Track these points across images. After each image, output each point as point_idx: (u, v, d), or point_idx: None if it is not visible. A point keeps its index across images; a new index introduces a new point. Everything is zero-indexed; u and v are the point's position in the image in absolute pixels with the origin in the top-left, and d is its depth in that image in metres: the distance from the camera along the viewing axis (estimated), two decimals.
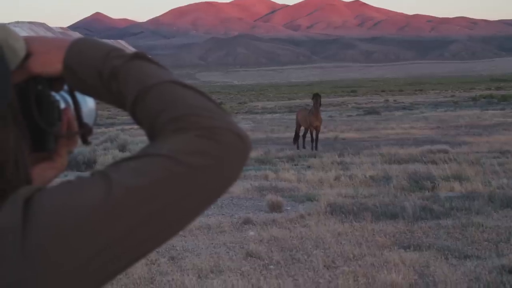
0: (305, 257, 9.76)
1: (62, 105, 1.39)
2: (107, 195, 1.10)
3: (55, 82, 1.34)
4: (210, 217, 12.36)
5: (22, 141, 1.23)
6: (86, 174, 1.18)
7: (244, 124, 43.57)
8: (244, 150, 1.19)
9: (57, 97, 1.39)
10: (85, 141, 1.42)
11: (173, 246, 10.39)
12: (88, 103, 1.48)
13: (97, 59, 1.26)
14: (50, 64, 1.29)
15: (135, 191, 1.11)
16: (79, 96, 1.40)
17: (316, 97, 26.76)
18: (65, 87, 1.36)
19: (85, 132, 1.41)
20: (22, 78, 1.29)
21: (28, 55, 1.28)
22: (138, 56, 1.27)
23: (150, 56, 1.28)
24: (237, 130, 1.19)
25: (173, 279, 8.76)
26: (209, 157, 1.15)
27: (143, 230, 1.12)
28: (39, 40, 1.32)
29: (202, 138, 1.15)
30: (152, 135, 1.21)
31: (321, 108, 27.01)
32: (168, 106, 1.19)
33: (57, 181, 1.26)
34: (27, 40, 1.30)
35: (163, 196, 1.13)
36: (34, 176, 1.28)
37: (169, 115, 1.18)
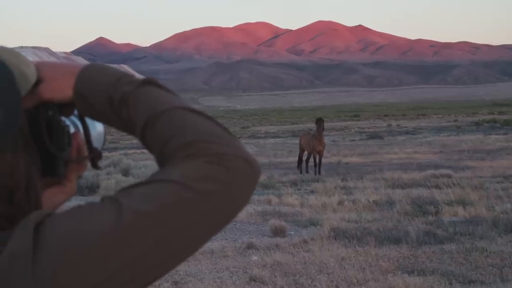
0: (309, 282, 9.73)
1: (72, 130, 1.40)
2: (117, 221, 1.10)
3: (65, 108, 1.34)
4: (213, 242, 12.34)
5: (33, 167, 1.24)
6: (90, 199, 1.19)
7: (247, 148, 43.45)
8: (253, 175, 1.20)
9: (67, 122, 1.40)
10: (95, 166, 1.43)
11: (176, 270, 10.36)
12: (97, 127, 1.49)
13: (107, 85, 1.27)
14: (61, 90, 1.30)
15: (144, 217, 1.12)
16: (88, 120, 1.40)
17: (320, 121, 26.78)
18: (75, 111, 1.37)
19: (94, 156, 1.42)
20: (32, 103, 1.30)
21: (38, 81, 1.29)
22: (148, 82, 1.28)
23: (160, 82, 1.29)
24: (246, 155, 1.20)
25: None
26: (218, 183, 1.15)
27: (152, 256, 1.12)
28: (49, 66, 1.32)
29: (211, 164, 1.16)
30: (161, 161, 1.22)
31: (324, 133, 27.02)
32: (178, 132, 1.20)
33: (66, 206, 1.27)
34: (38, 65, 1.31)
35: (173, 222, 1.13)
36: (44, 201, 1.28)
37: (179, 141, 1.18)
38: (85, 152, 1.41)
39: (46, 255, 1.08)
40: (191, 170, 1.15)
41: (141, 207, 1.12)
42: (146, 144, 1.25)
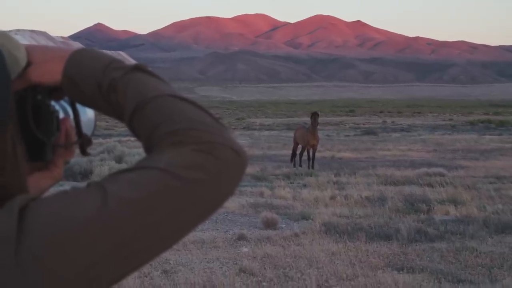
0: (298, 275, 9.73)
1: (61, 115, 1.39)
2: (102, 207, 1.10)
3: (55, 92, 1.33)
4: (204, 232, 12.35)
5: (19, 149, 1.22)
6: (83, 184, 1.17)
7: (241, 140, 43.54)
8: (241, 165, 1.20)
9: (57, 106, 1.38)
10: (84, 152, 1.41)
11: (166, 259, 10.37)
12: (87, 113, 1.48)
13: (97, 70, 1.26)
14: (50, 74, 1.29)
15: (130, 203, 1.11)
16: (79, 106, 1.39)
17: (314, 115, 26.76)
18: (66, 97, 1.36)
19: (83, 142, 1.40)
20: (21, 86, 1.29)
21: (28, 64, 1.28)
22: (138, 68, 1.27)
23: (150, 69, 1.28)
24: (234, 145, 1.19)
25: None
26: (206, 172, 1.15)
27: (138, 242, 1.12)
28: (40, 49, 1.31)
29: (199, 152, 1.15)
30: (149, 148, 1.21)
31: (318, 127, 27.00)
32: (167, 119, 1.19)
33: (52, 191, 1.25)
34: (28, 49, 1.30)
35: (159, 209, 1.12)
36: (30, 186, 1.27)
37: (167, 128, 1.18)
38: (74, 138, 1.40)
39: (30, 239, 1.07)
40: (179, 157, 1.15)
41: (127, 193, 1.11)
42: (134, 130, 1.24)
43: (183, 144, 1.16)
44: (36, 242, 1.07)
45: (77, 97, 1.29)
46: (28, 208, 1.10)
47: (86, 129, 1.44)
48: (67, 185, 15.98)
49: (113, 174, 1.16)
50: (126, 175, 1.15)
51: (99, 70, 1.26)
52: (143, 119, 1.21)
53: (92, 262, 1.08)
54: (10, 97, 1.18)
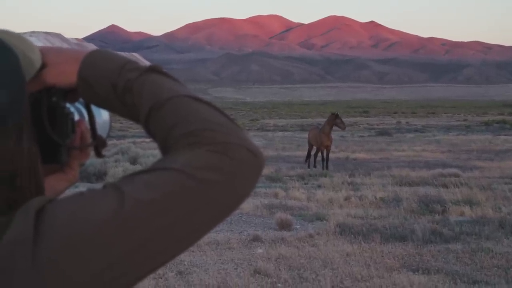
0: (313, 276, 9.72)
1: (76, 117, 1.39)
2: (119, 208, 1.09)
3: (69, 94, 1.34)
4: (219, 233, 12.35)
5: (35, 151, 1.22)
6: (98, 186, 1.17)
7: (255, 141, 42.77)
8: (257, 166, 1.19)
9: (72, 108, 1.38)
10: (99, 154, 1.41)
11: (181, 260, 10.38)
12: (102, 115, 1.47)
13: (112, 72, 1.26)
14: (65, 75, 1.29)
15: (147, 204, 1.11)
16: (94, 107, 1.39)
17: (334, 116, 26.76)
18: (81, 98, 1.36)
19: (98, 144, 1.40)
20: (36, 88, 1.29)
21: (43, 66, 1.28)
22: (153, 69, 1.27)
23: (165, 70, 1.28)
24: (251, 146, 1.19)
25: None
26: (221, 173, 1.15)
27: (154, 244, 1.11)
28: (54, 51, 1.32)
29: (215, 153, 1.15)
30: (165, 149, 1.21)
31: (334, 128, 26.94)
32: (182, 120, 1.19)
33: (68, 192, 1.25)
34: (43, 50, 1.30)
35: (175, 210, 1.12)
36: (45, 188, 1.27)
37: (183, 129, 1.18)
38: (89, 140, 1.40)
39: (46, 241, 1.07)
40: (195, 158, 1.15)
41: (143, 194, 1.11)
42: (150, 131, 1.24)
43: (199, 145, 1.16)
44: (52, 244, 1.07)
45: (92, 99, 1.29)
46: (44, 210, 1.10)
47: (101, 131, 1.44)
48: (81, 187, 16.03)
49: (129, 176, 1.16)
50: (142, 176, 1.14)
51: (114, 71, 1.25)
52: (159, 120, 1.21)
53: (108, 264, 1.08)
54: (25, 99, 1.18)
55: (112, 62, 1.27)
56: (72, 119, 1.37)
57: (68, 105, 1.37)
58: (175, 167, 1.14)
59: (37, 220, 1.08)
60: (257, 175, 1.20)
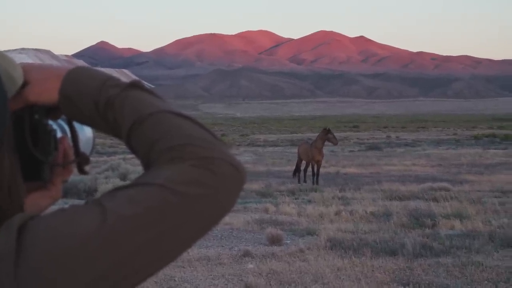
0: None
1: (59, 134, 1.39)
2: (101, 223, 1.09)
3: (52, 111, 1.33)
4: (209, 249, 12.33)
5: (16, 168, 1.22)
6: (80, 202, 1.17)
7: (245, 156, 43.60)
8: (239, 180, 1.20)
9: (54, 125, 1.38)
10: (82, 171, 1.41)
11: (171, 276, 10.35)
12: (86, 132, 1.47)
13: (93, 88, 1.26)
14: (47, 93, 1.29)
15: (129, 220, 1.11)
16: (77, 125, 1.39)
17: (326, 131, 26.86)
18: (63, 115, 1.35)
19: (81, 161, 1.40)
20: (18, 106, 1.29)
21: (25, 84, 1.28)
22: (134, 85, 1.27)
23: (146, 85, 1.28)
24: (232, 160, 1.19)
25: None
26: (204, 187, 1.15)
27: (138, 258, 1.11)
28: (36, 69, 1.31)
29: (198, 168, 1.15)
30: (147, 164, 1.21)
31: (324, 143, 26.99)
32: (164, 135, 1.19)
33: (53, 208, 1.25)
34: (25, 68, 1.30)
35: (158, 225, 1.12)
36: (29, 205, 1.27)
37: (164, 145, 1.18)
38: (72, 156, 1.40)
39: (29, 257, 1.07)
40: (177, 173, 1.15)
41: (126, 210, 1.11)
42: (132, 147, 1.24)
43: (181, 160, 1.16)
44: (35, 260, 1.06)
45: (75, 116, 1.30)
46: (26, 226, 1.10)
47: (85, 148, 1.44)
48: (71, 203, 15.98)
49: (111, 191, 1.16)
50: (124, 191, 1.14)
51: (96, 88, 1.26)
52: (141, 136, 1.21)
53: (93, 279, 1.08)
54: (7, 117, 1.18)
55: (93, 79, 1.27)
56: (55, 136, 1.37)
57: (50, 122, 1.36)
58: (157, 182, 1.14)
59: (19, 236, 1.08)
60: (239, 189, 1.20)
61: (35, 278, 1.06)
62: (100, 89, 1.25)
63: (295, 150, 36.76)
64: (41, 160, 1.32)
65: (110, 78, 1.29)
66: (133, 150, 1.24)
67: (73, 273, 1.07)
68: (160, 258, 1.14)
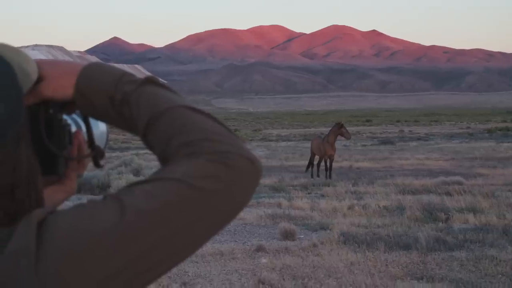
0: (317, 286, 9.71)
1: (74, 128, 1.40)
2: (120, 219, 1.10)
3: (66, 105, 1.34)
4: (223, 244, 12.34)
5: (34, 163, 1.23)
6: (99, 197, 1.18)
7: (258, 151, 43.58)
8: (255, 174, 1.20)
9: (69, 120, 1.39)
10: (97, 164, 1.42)
11: (185, 271, 10.37)
12: (99, 126, 1.49)
13: (108, 84, 1.27)
14: (62, 89, 1.30)
15: (147, 215, 1.12)
16: (91, 119, 1.40)
17: (338, 125, 26.86)
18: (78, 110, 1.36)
19: (96, 155, 1.41)
20: (33, 101, 1.30)
21: (40, 79, 1.29)
22: (149, 81, 1.28)
23: (161, 81, 1.29)
24: (248, 154, 1.20)
25: None
26: (220, 181, 1.16)
27: (156, 253, 1.12)
28: (51, 64, 1.32)
29: (214, 162, 1.16)
30: (163, 159, 1.22)
31: (337, 138, 26.97)
32: (180, 130, 1.20)
33: (69, 203, 1.26)
34: (40, 63, 1.31)
35: (175, 220, 1.13)
36: (44, 199, 1.28)
37: (181, 140, 1.19)
38: (87, 151, 1.41)
39: (49, 252, 1.08)
40: (193, 168, 1.16)
41: (144, 205, 1.12)
42: (148, 143, 1.25)
43: (197, 155, 1.17)
44: (55, 255, 1.07)
45: (89, 111, 1.31)
46: (46, 222, 1.11)
47: (99, 142, 1.45)
48: (84, 198, 16.02)
49: (129, 186, 1.17)
50: (142, 186, 1.15)
51: (111, 84, 1.27)
52: (157, 131, 1.22)
53: (111, 274, 1.09)
54: (23, 112, 1.19)
55: (109, 75, 1.28)
56: (69, 130, 1.38)
57: (65, 116, 1.38)
58: (174, 177, 1.15)
59: (39, 232, 1.09)
60: (255, 183, 1.21)
61: (55, 273, 1.07)
62: (116, 85, 1.27)
63: (308, 144, 36.75)
64: (56, 154, 1.33)
65: (125, 74, 1.30)
66: (149, 145, 1.25)
67: (91, 269, 1.08)
68: (177, 253, 1.15)
